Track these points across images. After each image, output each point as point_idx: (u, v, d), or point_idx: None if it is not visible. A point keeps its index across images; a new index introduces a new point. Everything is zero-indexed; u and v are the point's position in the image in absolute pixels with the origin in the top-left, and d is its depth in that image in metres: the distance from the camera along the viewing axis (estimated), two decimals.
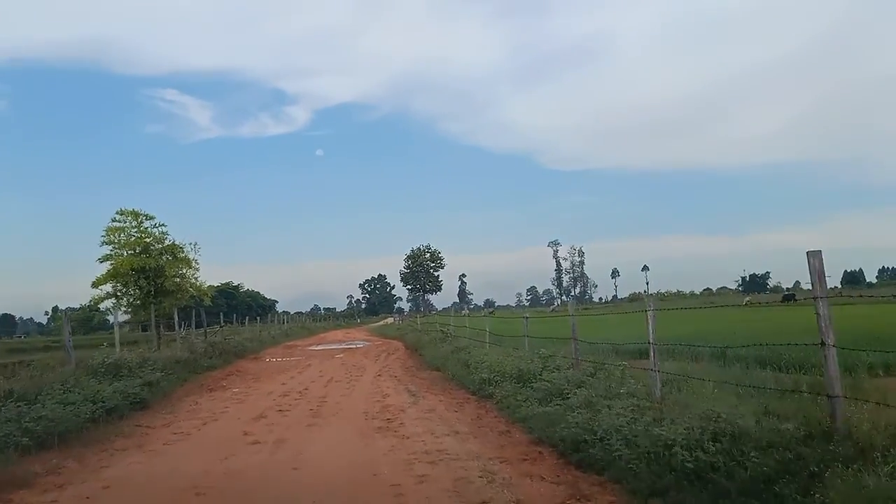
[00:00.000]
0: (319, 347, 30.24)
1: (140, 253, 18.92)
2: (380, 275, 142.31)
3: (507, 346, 16.38)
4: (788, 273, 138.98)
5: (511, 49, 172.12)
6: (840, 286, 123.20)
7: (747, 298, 69.04)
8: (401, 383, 13.47)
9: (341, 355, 23.66)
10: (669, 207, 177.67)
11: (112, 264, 18.61)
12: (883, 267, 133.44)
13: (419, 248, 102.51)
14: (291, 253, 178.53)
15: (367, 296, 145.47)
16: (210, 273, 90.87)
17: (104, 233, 18.71)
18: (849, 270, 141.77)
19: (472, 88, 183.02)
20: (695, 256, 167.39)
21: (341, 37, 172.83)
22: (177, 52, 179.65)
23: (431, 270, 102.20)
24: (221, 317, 26.10)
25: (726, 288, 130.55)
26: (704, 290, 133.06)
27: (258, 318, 35.90)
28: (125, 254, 18.76)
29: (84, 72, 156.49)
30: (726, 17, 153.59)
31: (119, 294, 19.25)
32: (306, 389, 12.79)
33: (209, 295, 21.40)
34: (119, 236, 18.80)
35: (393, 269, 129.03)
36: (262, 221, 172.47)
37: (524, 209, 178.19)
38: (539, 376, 9.94)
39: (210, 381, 15.01)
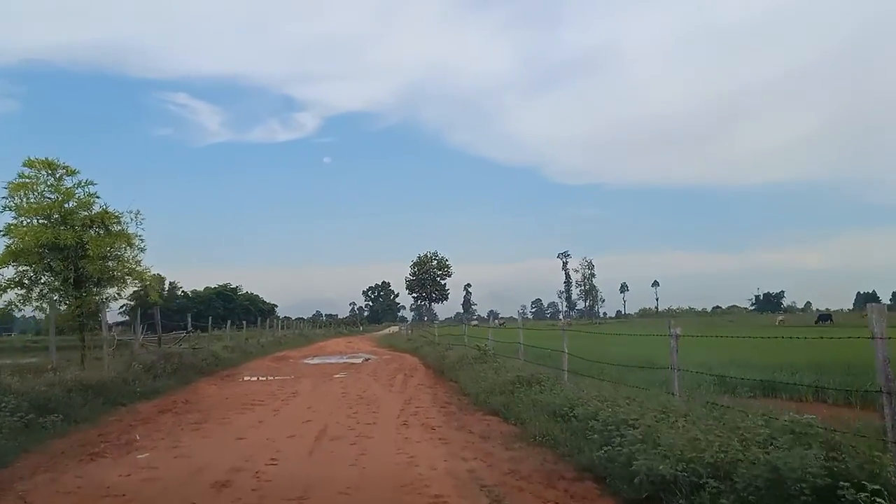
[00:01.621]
0: (315, 361, 23.85)
1: (56, 223, 12.63)
2: (384, 282, 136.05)
3: (602, 376, 10.23)
4: (798, 292, 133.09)
5: (519, 60, 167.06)
6: (852, 308, 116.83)
7: (780, 318, 62.72)
8: (449, 448, 7.13)
9: (342, 375, 17.32)
10: (674, 223, 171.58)
11: (13, 239, 12.32)
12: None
13: (426, 255, 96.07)
14: (296, 258, 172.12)
15: (371, 303, 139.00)
16: (212, 274, 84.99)
17: (5, 191, 12.43)
18: (861, 292, 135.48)
19: (479, 99, 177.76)
20: (700, 273, 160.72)
21: (351, 44, 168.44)
22: (188, 57, 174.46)
23: (438, 278, 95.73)
24: (189, 320, 19.74)
25: (737, 306, 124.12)
26: (714, 307, 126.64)
27: (244, 322, 29.48)
28: (35, 222, 12.48)
29: (96, 75, 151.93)
30: (733, 32, 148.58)
31: (28, 282, 12.93)
32: (273, 461, 6.47)
33: (156, 287, 14.85)
34: (26, 197, 12.50)
35: (397, 278, 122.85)
36: (268, 226, 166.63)
37: (529, 221, 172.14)
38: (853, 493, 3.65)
39: (120, 427, 8.68)
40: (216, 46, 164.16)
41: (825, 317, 56.51)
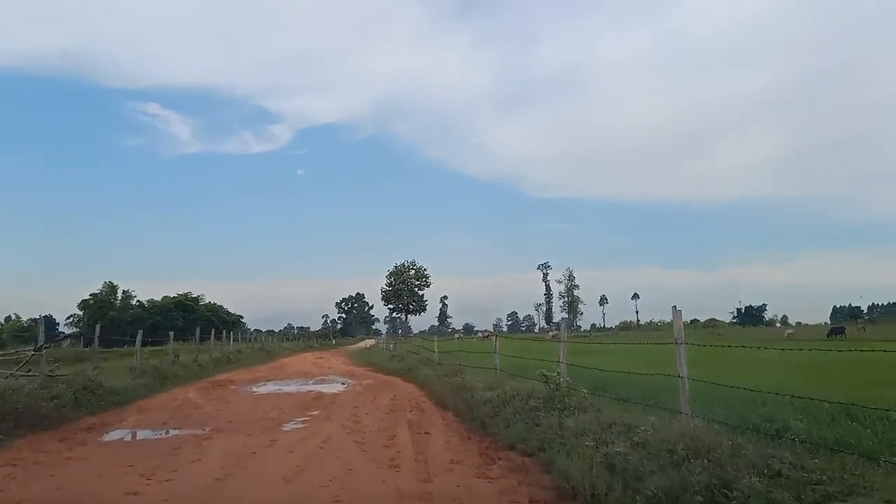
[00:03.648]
0: (266, 389, 15.85)
1: None
2: (357, 293, 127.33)
3: None
4: (774, 306, 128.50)
5: (493, 76, 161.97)
6: (829, 322, 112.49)
7: (789, 332, 56.58)
8: None
9: (298, 425, 9.43)
10: (647, 239, 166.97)
11: None
12: (873, 304, 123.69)
13: (403, 265, 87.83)
14: (267, 270, 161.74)
15: (344, 315, 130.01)
16: (178, 286, 76.07)
17: None
18: (837, 306, 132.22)
19: (454, 114, 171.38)
20: (674, 287, 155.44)
21: (326, 58, 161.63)
22: (161, 67, 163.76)
23: (416, 289, 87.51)
24: (42, 332, 11.63)
25: (716, 319, 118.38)
26: (693, 320, 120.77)
27: (166, 333, 21.15)
28: None
29: (66, 82, 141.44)
30: (703, 53, 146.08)
31: None
32: None
33: None
34: None
35: (372, 291, 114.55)
36: (240, 238, 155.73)
37: (503, 235, 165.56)
38: None
39: None
40: (190, 56, 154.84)
41: (838, 330, 50.55)
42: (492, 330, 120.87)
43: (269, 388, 16.33)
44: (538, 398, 8.55)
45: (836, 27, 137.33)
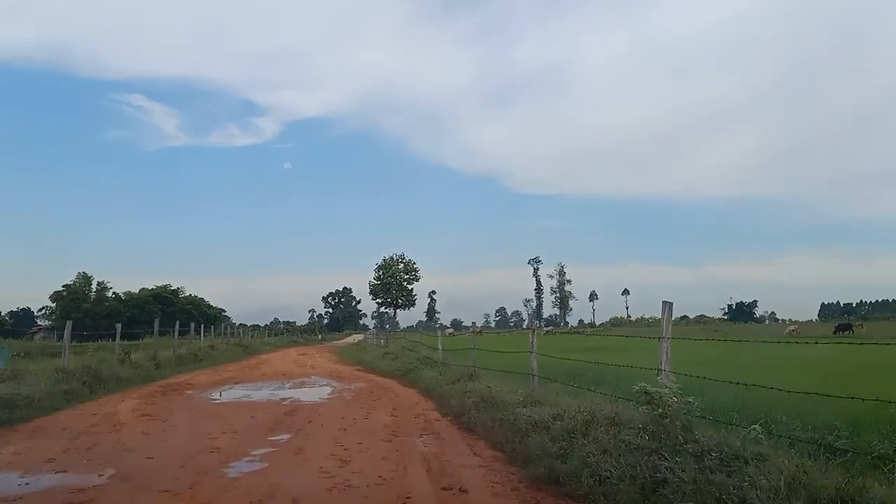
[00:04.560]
0: (230, 396, 12.31)
1: None
2: (345, 288, 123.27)
3: None
4: (762, 303, 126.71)
5: (480, 72, 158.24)
6: (817, 319, 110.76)
7: (792, 328, 53.62)
8: None
9: (255, 467, 5.95)
10: (635, 236, 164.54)
11: None
12: (861, 301, 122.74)
13: (392, 258, 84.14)
14: (253, 264, 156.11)
15: (331, 310, 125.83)
16: (161, 280, 71.60)
17: None
18: (825, 303, 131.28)
19: (440, 110, 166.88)
20: (662, 284, 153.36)
21: (312, 52, 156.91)
22: (146, 58, 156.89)
23: (405, 283, 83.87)
24: None
25: (705, 315, 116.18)
26: (681, 317, 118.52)
27: (145, 327, 17.41)
28: None
29: (46, 72, 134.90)
30: (687, 51, 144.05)
31: None
32: None
33: None
34: None
35: (359, 285, 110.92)
36: (225, 231, 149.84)
37: (490, 231, 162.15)
38: None
39: None
40: (176, 48, 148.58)
41: (845, 326, 47.80)
42: (480, 325, 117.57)
43: (233, 394, 12.79)
44: (636, 427, 5.22)
45: (816, 27, 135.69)
